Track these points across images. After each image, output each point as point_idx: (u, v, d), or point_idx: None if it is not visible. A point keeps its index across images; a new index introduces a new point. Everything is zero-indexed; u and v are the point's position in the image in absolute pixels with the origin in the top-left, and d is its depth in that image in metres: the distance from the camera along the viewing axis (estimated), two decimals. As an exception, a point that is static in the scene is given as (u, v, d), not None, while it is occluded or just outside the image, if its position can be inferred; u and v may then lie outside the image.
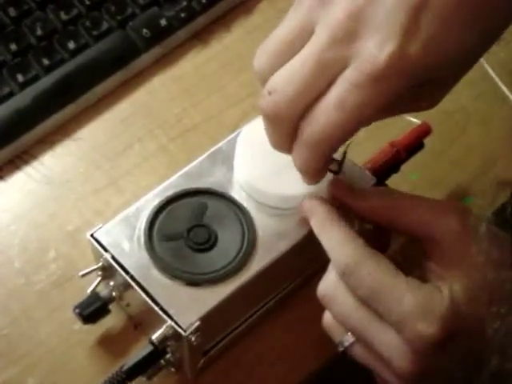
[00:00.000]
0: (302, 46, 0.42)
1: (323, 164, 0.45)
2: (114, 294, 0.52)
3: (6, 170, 0.61)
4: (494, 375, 0.43)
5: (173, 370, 0.51)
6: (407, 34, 0.40)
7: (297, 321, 0.54)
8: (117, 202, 0.59)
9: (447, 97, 0.65)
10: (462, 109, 0.65)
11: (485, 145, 0.63)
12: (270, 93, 0.43)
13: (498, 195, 0.61)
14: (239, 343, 0.53)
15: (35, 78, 0.61)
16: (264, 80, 0.44)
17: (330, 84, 0.41)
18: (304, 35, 0.42)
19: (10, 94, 0.61)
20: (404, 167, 0.57)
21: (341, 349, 0.47)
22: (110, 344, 0.53)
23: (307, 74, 0.41)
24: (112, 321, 0.54)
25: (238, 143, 0.52)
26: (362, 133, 0.61)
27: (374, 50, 0.40)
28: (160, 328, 0.47)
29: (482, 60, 0.64)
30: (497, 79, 0.65)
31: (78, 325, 0.52)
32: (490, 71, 0.65)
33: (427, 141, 0.58)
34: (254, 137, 0.52)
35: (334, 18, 0.41)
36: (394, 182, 0.57)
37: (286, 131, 0.44)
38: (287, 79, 0.42)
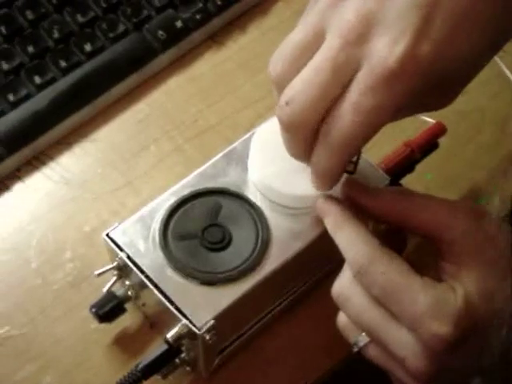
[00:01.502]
0: (316, 50, 0.42)
1: (342, 168, 0.45)
2: (129, 293, 0.52)
3: (24, 171, 0.61)
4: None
5: (188, 368, 0.52)
6: (418, 34, 0.39)
7: (311, 320, 0.54)
8: (133, 203, 0.60)
9: (462, 97, 0.64)
10: (478, 108, 0.65)
11: (500, 145, 0.63)
12: (286, 103, 0.43)
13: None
14: (254, 342, 0.53)
15: (52, 80, 0.62)
16: (281, 87, 0.44)
17: (345, 87, 0.42)
18: (317, 39, 0.42)
19: (28, 96, 0.61)
20: (419, 167, 0.57)
21: (355, 349, 0.47)
22: (126, 343, 0.54)
23: (322, 82, 0.42)
24: (128, 320, 0.54)
25: (253, 143, 0.52)
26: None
27: (385, 50, 0.40)
28: (175, 327, 0.48)
29: (497, 59, 0.64)
30: (512, 78, 0.65)
31: (95, 324, 0.53)
32: (506, 70, 0.65)
33: (442, 141, 0.58)
34: (268, 137, 0.52)
35: (344, 20, 0.41)
36: (408, 181, 0.57)
37: (303, 139, 0.44)
38: (303, 89, 0.42)
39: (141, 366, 0.48)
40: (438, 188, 0.60)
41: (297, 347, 0.54)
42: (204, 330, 0.47)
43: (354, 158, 0.50)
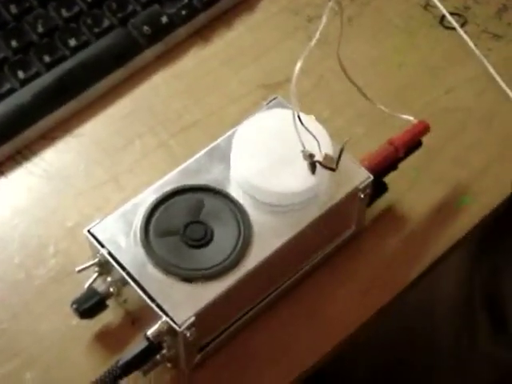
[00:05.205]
0: None
1: None
2: (111, 289, 0.52)
3: (6, 165, 0.61)
4: None
5: (169, 365, 0.51)
6: None
7: (294, 316, 0.54)
8: (117, 198, 0.59)
9: (447, 95, 0.65)
10: (463, 107, 0.64)
11: (486, 143, 0.63)
12: None
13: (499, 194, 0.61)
14: (236, 339, 0.53)
15: (36, 75, 0.62)
16: None
17: None
18: None
19: (11, 91, 0.61)
20: (403, 164, 0.57)
21: None
22: (107, 339, 0.54)
23: None
24: (110, 316, 0.54)
25: (235, 140, 0.52)
26: (361, 130, 0.62)
27: None
28: (155, 324, 0.48)
29: (482, 57, 0.64)
30: (498, 77, 0.64)
31: (77, 320, 0.52)
32: (491, 69, 0.65)
33: (428, 139, 0.58)
34: (250, 134, 0.52)
35: None
36: (393, 179, 0.57)
37: None
38: None
39: (121, 362, 0.48)
40: (423, 185, 0.60)
41: (280, 343, 0.53)
42: (184, 326, 0.47)
43: (336, 154, 0.50)
